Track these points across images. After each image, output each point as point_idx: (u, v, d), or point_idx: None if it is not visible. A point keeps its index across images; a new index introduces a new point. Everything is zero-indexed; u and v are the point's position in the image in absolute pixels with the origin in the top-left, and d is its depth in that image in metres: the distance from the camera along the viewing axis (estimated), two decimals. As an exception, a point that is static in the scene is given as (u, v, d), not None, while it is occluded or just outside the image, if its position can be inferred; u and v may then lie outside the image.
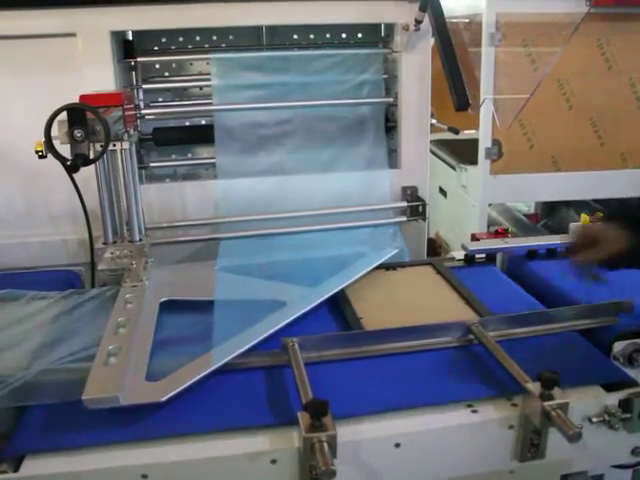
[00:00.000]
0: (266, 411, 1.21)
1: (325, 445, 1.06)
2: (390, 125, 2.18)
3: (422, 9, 1.90)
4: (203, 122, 2.26)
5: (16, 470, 1.11)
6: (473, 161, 2.78)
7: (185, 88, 2.25)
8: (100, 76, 1.93)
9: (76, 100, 1.62)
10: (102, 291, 1.68)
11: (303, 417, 1.10)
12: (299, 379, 1.23)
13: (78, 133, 1.41)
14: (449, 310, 1.60)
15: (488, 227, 2.75)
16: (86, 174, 1.80)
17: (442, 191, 3.34)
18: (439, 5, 1.91)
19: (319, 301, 1.53)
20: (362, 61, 2.11)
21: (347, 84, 2.10)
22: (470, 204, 2.82)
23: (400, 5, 2.02)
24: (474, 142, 2.75)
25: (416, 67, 2.07)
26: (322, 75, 2.08)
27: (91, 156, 1.49)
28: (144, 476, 1.11)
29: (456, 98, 1.81)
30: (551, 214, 3.37)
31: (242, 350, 1.33)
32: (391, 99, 2.15)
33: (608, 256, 1.30)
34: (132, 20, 1.97)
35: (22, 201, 2.07)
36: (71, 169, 1.44)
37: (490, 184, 2.69)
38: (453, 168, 3.08)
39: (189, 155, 2.30)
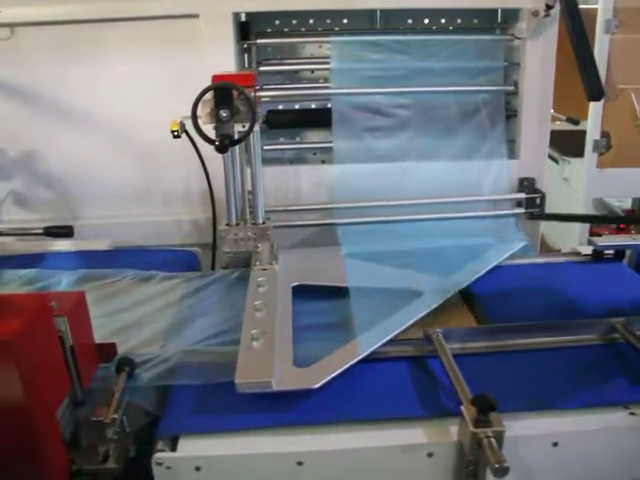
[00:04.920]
0: (417, 402, 1.19)
1: (493, 441, 1.03)
2: (507, 114, 2.13)
3: (555, -7, 1.84)
4: (313, 106, 2.24)
5: (173, 449, 1.12)
6: (577, 153, 2.70)
7: (296, 71, 2.22)
8: (221, 57, 1.92)
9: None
10: (227, 273, 1.69)
11: (469, 411, 1.07)
12: (451, 371, 1.20)
13: (224, 113, 1.40)
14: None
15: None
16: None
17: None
18: (572, -11, 1.84)
19: (455, 291, 1.50)
20: (483, 48, 2.06)
21: (467, 71, 2.05)
22: (573, 198, 2.74)
23: (528, -10, 1.96)
24: (576, 134, 2.67)
25: (541, 55, 2.00)
26: (442, 61, 2.03)
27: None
28: (299, 463, 1.10)
29: (589, 88, 1.74)
30: (650, 210, 3.25)
31: (387, 339, 1.31)
32: (511, 87, 2.09)
33: None
34: (254, 1, 1.95)
35: (138, 181, 2.09)
36: (220, 149, 1.42)
37: (596, 178, 2.60)
38: (555, 160, 3.00)
39: (297, 139, 2.28)
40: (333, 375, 1.20)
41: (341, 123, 2.04)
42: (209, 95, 1.44)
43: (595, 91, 1.75)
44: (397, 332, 1.33)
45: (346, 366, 1.22)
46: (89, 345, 1.27)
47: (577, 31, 1.80)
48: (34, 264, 1.75)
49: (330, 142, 2.14)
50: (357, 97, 2.05)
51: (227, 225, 1.73)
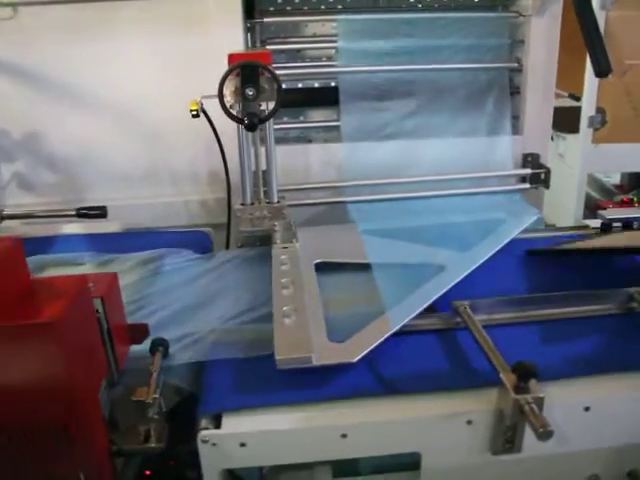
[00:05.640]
0: (453, 373, 1.21)
1: (534, 406, 1.06)
2: (510, 91, 2.15)
3: (561, -31, 1.86)
4: (316, 85, 2.24)
5: (217, 427, 1.13)
6: (571, 129, 2.73)
7: (299, 50, 2.22)
8: (229, 37, 1.91)
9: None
10: (244, 251, 1.70)
11: (509, 379, 1.09)
12: (483, 342, 1.22)
13: (250, 91, 1.40)
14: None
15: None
16: (209, 135, 1.82)
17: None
18: (578, -37, 1.85)
19: (477, 265, 1.52)
20: (488, 25, 2.07)
21: (472, 48, 2.06)
22: (568, 173, 2.77)
23: (534, -34, 1.97)
24: (571, 110, 2.70)
25: (545, 32, 2.02)
26: (447, 38, 2.04)
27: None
28: (343, 435, 1.12)
29: (597, 64, 1.76)
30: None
31: (418, 312, 1.33)
32: (515, 64, 2.11)
33: None
34: None
35: (145, 162, 2.08)
36: (249, 128, 1.42)
37: (591, 153, 2.64)
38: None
39: (301, 118, 2.28)
40: (370, 348, 1.21)
41: (348, 101, 2.05)
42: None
43: (603, 67, 1.77)
44: (426, 305, 1.35)
45: (381, 339, 1.24)
46: (122, 326, 1.27)
47: (584, 6, 1.82)
48: (42, 248, 1.73)
49: (334, 121, 2.15)
50: (364, 75, 2.06)
51: (242, 204, 1.74)
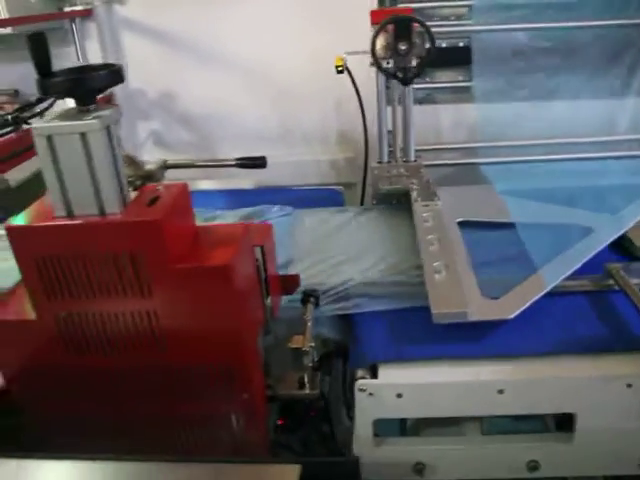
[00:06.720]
0: (610, 335, 1.19)
1: None
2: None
3: None
4: (444, 45, 2.20)
5: (373, 377, 1.15)
6: None
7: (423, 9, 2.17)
8: None
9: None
10: (381, 209, 1.71)
11: (677, 341, 1.07)
12: (641, 305, 1.19)
13: (403, 46, 1.39)
14: None
15: None
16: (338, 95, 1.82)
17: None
18: None
19: (626, 229, 1.47)
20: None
21: (613, 3, 1.96)
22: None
23: None
24: None
25: None
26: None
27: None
28: (500, 391, 1.12)
29: None
30: None
31: (570, 272, 1.30)
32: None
33: None
34: None
35: (275, 121, 2.11)
36: (405, 82, 1.42)
37: None
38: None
39: (427, 79, 2.25)
40: (526, 306, 1.20)
41: (482, 62, 2.00)
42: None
43: None
44: (579, 265, 1.32)
45: (536, 297, 1.22)
46: (276, 276, 1.31)
47: None
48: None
49: (463, 81, 2.11)
50: (498, 34, 2.01)
51: (379, 162, 1.74)
